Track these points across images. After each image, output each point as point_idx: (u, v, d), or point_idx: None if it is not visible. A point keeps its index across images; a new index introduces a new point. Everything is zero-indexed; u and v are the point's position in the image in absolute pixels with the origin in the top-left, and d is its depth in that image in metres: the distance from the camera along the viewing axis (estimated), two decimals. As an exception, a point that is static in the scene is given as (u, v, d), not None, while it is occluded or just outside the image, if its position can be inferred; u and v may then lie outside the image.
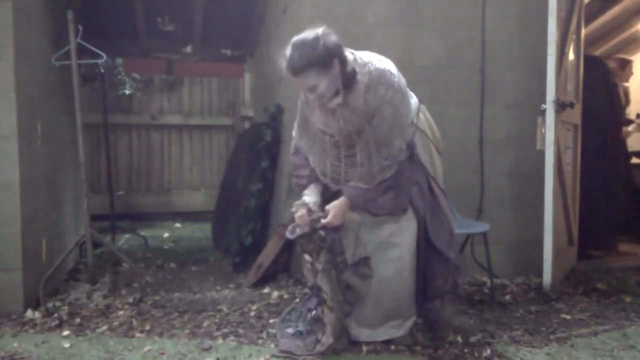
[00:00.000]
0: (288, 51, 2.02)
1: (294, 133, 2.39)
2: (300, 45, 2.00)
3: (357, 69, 2.07)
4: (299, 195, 2.38)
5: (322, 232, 2.15)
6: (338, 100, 2.05)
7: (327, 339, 2.21)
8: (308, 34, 2.02)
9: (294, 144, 2.40)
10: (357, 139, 2.13)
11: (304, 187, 2.36)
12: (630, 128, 4.64)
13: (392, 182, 2.19)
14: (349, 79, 2.05)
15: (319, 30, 2.01)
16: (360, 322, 2.30)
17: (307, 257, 2.24)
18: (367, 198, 2.19)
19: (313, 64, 1.98)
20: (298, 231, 2.18)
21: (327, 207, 2.18)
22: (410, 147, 2.26)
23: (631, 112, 5.61)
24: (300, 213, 2.19)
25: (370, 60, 2.12)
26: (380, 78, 2.09)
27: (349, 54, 2.10)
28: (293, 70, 2.01)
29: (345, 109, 2.08)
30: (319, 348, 2.19)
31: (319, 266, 2.18)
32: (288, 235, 2.24)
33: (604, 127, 3.98)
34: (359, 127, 2.11)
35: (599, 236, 3.86)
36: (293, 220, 2.25)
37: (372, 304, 2.27)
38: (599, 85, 3.97)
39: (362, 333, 2.30)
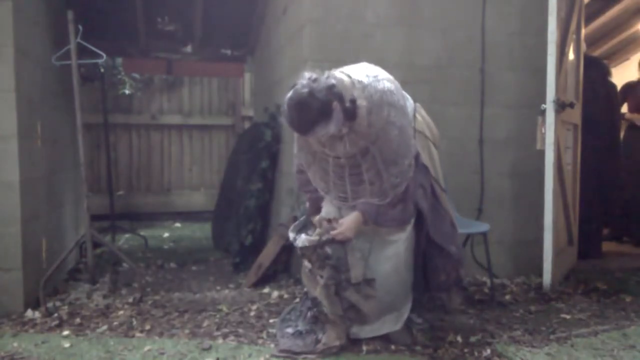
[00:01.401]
0: (286, 112, 2.01)
1: (295, 150, 2.37)
2: (296, 108, 1.97)
3: (356, 94, 2.03)
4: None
5: (328, 250, 2.16)
6: (344, 130, 2.03)
7: (329, 340, 2.21)
8: (299, 90, 1.97)
9: (297, 162, 2.37)
10: (362, 160, 2.11)
11: (320, 199, 2.35)
12: None
13: (401, 195, 2.21)
14: (351, 109, 2.01)
15: (306, 81, 1.98)
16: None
17: (307, 263, 2.25)
18: (379, 212, 2.19)
19: (316, 120, 1.96)
20: (306, 242, 2.18)
21: (340, 220, 2.19)
22: (416, 158, 2.27)
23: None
24: (324, 228, 2.19)
25: (369, 82, 2.07)
26: (381, 100, 2.05)
27: (345, 77, 2.07)
28: (300, 133, 2.07)
29: (351, 133, 2.06)
30: (320, 347, 2.20)
31: (321, 280, 2.19)
32: (292, 240, 2.25)
33: (603, 129, 3.97)
34: (364, 149, 2.09)
35: (583, 241, 3.73)
36: (294, 220, 2.25)
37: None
38: (598, 86, 3.96)
39: (362, 330, 2.31)
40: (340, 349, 2.22)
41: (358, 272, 2.19)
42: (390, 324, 2.31)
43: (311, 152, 2.23)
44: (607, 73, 4.17)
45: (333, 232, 2.15)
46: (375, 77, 2.09)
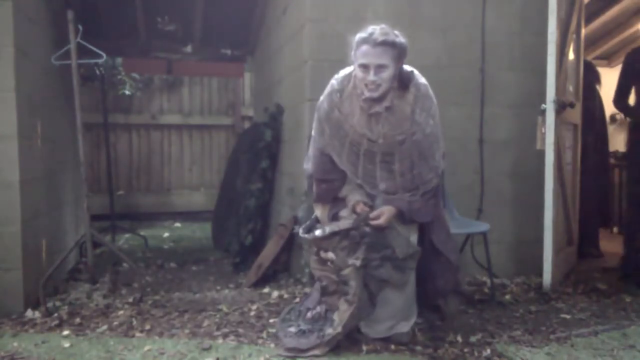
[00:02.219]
0: (364, 29, 2.12)
1: (314, 133, 2.38)
2: (381, 28, 2.12)
3: (413, 78, 2.19)
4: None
5: (367, 229, 2.19)
6: (386, 103, 2.14)
7: (334, 330, 2.21)
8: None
9: (319, 147, 2.36)
10: (397, 149, 2.19)
11: (336, 190, 2.34)
12: None
13: (434, 191, 2.28)
14: (404, 80, 2.16)
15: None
16: (370, 319, 2.31)
17: (331, 255, 2.25)
18: (413, 208, 2.23)
19: (394, 44, 2.09)
20: (335, 227, 2.22)
21: (381, 209, 2.22)
22: (444, 156, 2.35)
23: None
24: (360, 208, 2.24)
25: (418, 75, 2.24)
26: (427, 93, 2.21)
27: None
28: (374, 41, 2.08)
29: (391, 115, 2.16)
30: (325, 338, 2.20)
31: (356, 262, 2.18)
32: (309, 236, 2.27)
33: (592, 130, 3.94)
34: (402, 137, 2.17)
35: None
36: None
37: (380, 304, 2.29)
38: (590, 89, 3.93)
39: (372, 330, 2.31)
40: (344, 337, 2.21)
41: (403, 248, 2.22)
42: (401, 326, 2.32)
43: (340, 138, 2.26)
44: (599, 77, 4.15)
45: (373, 221, 2.18)
46: (419, 74, 2.25)
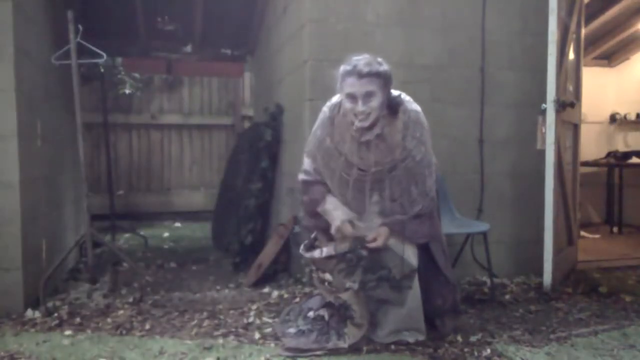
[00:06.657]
0: (348, 62, 2.12)
1: (305, 164, 2.40)
2: (365, 57, 2.12)
3: (402, 103, 2.18)
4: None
5: (363, 252, 2.20)
6: (376, 130, 2.14)
7: (344, 343, 2.22)
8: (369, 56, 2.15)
9: (308, 168, 2.38)
10: (388, 176, 2.20)
11: (319, 201, 2.34)
12: None
13: (429, 213, 2.29)
14: (393, 105, 2.15)
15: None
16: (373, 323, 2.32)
17: (328, 276, 2.26)
18: (409, 229, 2.25)
19: (378, 74, 2.09)
20: (331, 251, 2.22)
21: (377, 230, 2.23)
22: (437, 181, 2.36)
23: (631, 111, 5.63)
24: (348, 231, 2.23)
25: (408, 100, 2.23)
26: (417, 119, 2.20)
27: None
28: (360, 72, 2.07)
29: (382, 142, 2.16)
30: (329, 345, 2.21)
31: (354, 285, 2.20)
32: (309, 256, 2.28)
33: None
34: (392, 164, 2.18)
35: None
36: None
37: (381, 313, 2.30)
38: None
39: (373, 334, 2.31)
40: (347, 350, 2.21)
41: (399, 268, 2.22)
42: (405, 336, 2.31)
43: (332, 167, 2.28)
44: None
45: (370, 243, 2.19)
46: (410, 99, 2.24)
